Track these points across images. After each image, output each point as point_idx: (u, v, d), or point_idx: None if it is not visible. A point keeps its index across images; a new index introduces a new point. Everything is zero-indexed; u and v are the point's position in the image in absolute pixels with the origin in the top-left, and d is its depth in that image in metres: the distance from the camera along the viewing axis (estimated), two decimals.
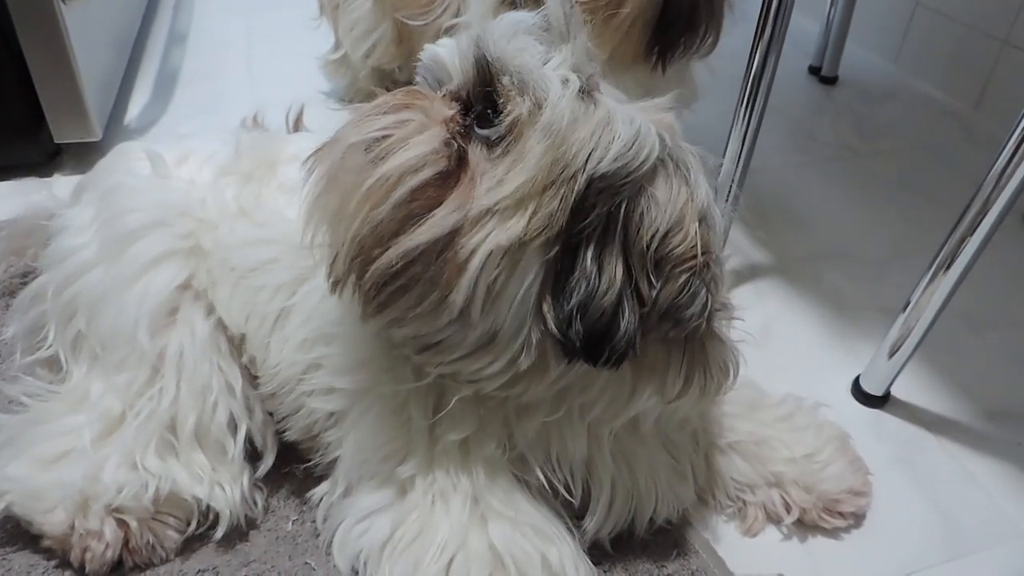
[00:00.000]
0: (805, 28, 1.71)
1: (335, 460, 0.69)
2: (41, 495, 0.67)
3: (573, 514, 0.68)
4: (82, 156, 1.23)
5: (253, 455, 0.74)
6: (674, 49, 0.99)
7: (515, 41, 0.55)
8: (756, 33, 0.97)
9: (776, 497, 0.75)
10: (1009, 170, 0.75)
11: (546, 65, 0.54)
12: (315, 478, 0.72)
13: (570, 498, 0.66)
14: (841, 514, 0.75)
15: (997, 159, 0.76)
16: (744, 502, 0.76)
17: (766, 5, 0.96)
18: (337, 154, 0.56)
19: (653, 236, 0.53)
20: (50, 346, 0.74)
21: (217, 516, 0.70)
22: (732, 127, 1.03)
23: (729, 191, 1.04)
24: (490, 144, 0.54)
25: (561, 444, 0.64)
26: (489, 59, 0.54)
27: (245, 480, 0.72)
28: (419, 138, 0.54)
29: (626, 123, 0.53)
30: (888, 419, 0.90)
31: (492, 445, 0.63)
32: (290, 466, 0.75)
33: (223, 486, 0.70)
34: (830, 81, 1.64)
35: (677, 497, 0.71)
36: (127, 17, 1.54)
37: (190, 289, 0.71)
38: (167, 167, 0.76)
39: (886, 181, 1.34)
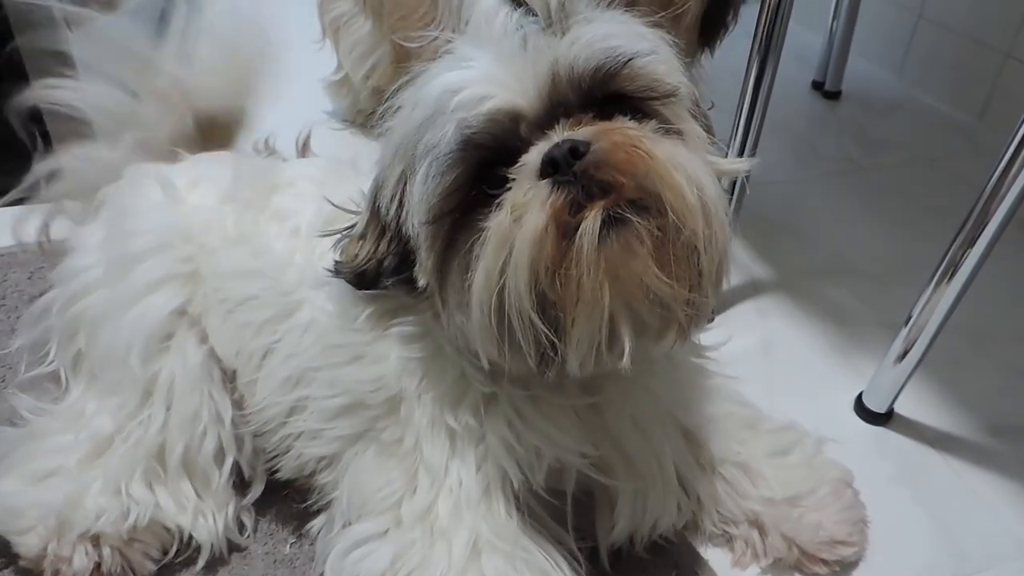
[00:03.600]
0: (808, 42, 1.71)
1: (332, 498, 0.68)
2: (22, 513, 0.67)
3: (579, 537, 0.67)
4: None
5: (244, 483, 0.74)
6: (718, 37, 1.01)
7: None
8: (753, 45, 0.97)
9: (755, 536, 0.73)
10: (1009, 179, 0.74)
11: None
12: (314, 511, 0.71)
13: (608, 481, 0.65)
14: (824, 561, 0.72)
15: (996, 168, 0.75)
16: (730, 535, 0.74)
17: (763, 16, 0.96)
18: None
19: None
20: (51, 362, 0.75)
21: (200, 545, 0.70)
22: (731, 140, 1.02)
23: (729, 206, 1.04)
24: None
25: (603, 426, 0.63)
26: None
27: (231, 510, 0.72)
28: None
29: None
30: (891, 436, 0.89)
31: (511, 470, 0.62)
32: (288, 490, 0.75)
33: (206, 516, 0.70)
34: (833, 96, 1.63)
35: (680, 509, 0.70)
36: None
37: (186, 315, 0.71)
38: (177, 191, 0.76)
39: (890, 194, 1.34)
